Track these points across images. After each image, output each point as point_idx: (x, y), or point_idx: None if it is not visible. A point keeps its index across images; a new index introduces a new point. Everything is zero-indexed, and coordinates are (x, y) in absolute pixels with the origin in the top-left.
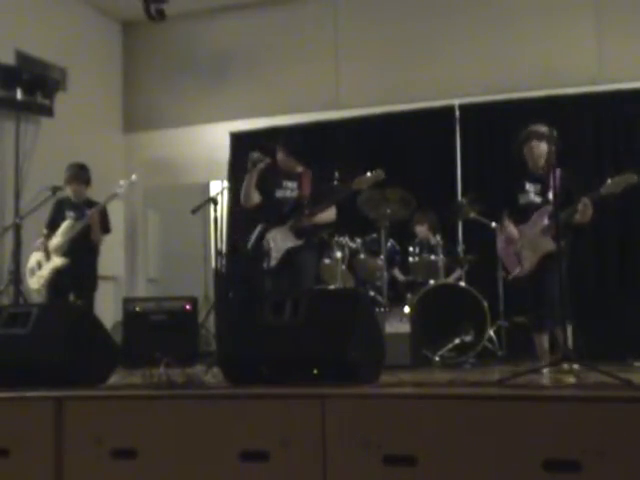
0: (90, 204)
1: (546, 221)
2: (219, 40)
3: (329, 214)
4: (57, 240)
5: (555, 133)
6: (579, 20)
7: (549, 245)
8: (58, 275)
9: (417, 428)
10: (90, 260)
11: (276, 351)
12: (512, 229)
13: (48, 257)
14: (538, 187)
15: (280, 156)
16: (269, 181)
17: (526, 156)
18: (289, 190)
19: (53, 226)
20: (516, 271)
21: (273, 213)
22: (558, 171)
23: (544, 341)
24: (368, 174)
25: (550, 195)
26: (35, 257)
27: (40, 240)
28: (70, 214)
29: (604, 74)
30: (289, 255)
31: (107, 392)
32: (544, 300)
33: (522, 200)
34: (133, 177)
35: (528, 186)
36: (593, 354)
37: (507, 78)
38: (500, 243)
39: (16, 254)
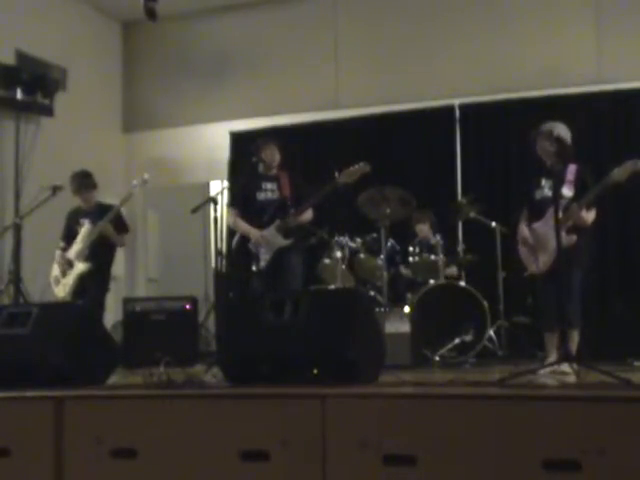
0: (102, 207)
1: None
2: (219, 40)
3: (306, 215)
4: (77, 246)
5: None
6: (579, 20)
7: (563, 240)
8: (82, 280)
9: (417, 428)
10: (108, 262)
11: (276, 351)
12: (524, 230)
13: (71, 265)
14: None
15: (270, 152)
16: (249, 185)
17: (539, 154)
18: (269, 192)
19: (70, 237)
20: (532, 268)
21: (257, 216)
22: (574, 166)
23: (555, 339)
24: (352, 167)
25: (564, 190)
26: (57, 266)
27: (58, 253)
28: (85, 221)
29: (604, 74)
30: (278, 255)
31: (107, 392)
32: (566, 297)
33: (538, 196)
34: (145, 176)
35: (544, 182)
36: (593, 354)
37: (507, 78)
38: (519, 243)
39: (16, 254)
